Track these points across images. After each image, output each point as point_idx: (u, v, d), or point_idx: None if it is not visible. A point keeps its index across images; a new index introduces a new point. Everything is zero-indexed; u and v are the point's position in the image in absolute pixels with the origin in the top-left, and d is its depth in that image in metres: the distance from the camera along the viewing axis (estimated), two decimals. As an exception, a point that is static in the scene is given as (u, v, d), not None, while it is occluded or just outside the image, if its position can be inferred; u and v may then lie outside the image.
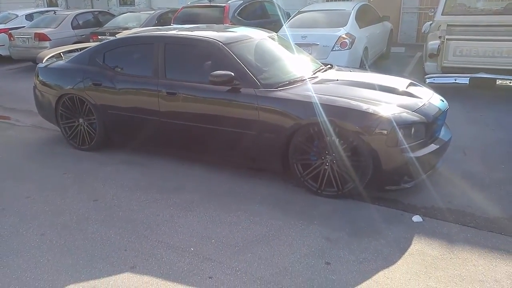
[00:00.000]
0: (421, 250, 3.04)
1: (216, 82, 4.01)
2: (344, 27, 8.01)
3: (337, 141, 3.68)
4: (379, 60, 9.93)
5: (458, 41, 6.90)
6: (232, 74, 3.98)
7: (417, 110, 3.73)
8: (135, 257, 2.99)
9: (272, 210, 3.62)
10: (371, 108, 3.59)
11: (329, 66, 4.88)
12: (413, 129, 3.60)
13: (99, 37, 10.33)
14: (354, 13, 8.51)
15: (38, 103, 5.50)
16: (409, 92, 4.07)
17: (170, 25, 9.66)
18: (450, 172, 4.22)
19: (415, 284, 2.66)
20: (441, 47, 6.99)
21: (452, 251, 3.01)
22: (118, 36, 5.02)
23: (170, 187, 4.11)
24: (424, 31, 9.57)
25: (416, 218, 3.47)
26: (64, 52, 5.69)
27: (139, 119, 4.62)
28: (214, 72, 3.99)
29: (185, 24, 8.90)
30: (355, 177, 3.68)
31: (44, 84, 5.29)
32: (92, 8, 17.97)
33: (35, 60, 11.39)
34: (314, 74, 4.45)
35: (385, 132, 3.50)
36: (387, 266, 2.85)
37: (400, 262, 2.90)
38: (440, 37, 7.05)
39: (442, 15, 8.94)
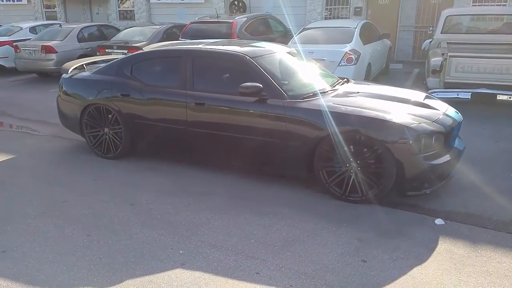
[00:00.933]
0: (447, 249, 3.26)
1: (245, 93, 4.25)
2: (350, 44, 8.36)
3: (362, 149, 3.92)
4: (379, 76, 10.29)
5: (460, 58, 7.26)
6: (261, 85, 4.22)
7: (436, 121, 4.00)
8: (182, 255, 3.17)
9: (301, 214, 3.83)
10: (395, 119, 3.86)
11: (345, 79, 5.15)
12: (433, 139, 3.87)
13: (106, 50, 10.53)
14: (358, 30, 8.88)
15: (62, 112, 5.67)
16: (426, 104, 4.35)
17: (179, 39, 9.93)
18: (462, 180, 4.47)
19: (448, 279, 2.89)
20: (444, 63, 7.33)
21: (477, 250, 3.24)
22: (145, 49, 5.24)
23: (199, 192, 4.30)
24: (424, 48, 9.99)
25: (439, 221, 3.71)
26: (86, 64, 5.87)
27: (166, 128, 4.82)
28: (244, 84, 4.23)
29: (193, 39, 9.22)
30: (379, 183, 3.91)
31: (69, 94, 5.47)
32: (92, 21, 18.18)
33: (40, 72, 11.58)
34: (334, 87, 4.71)
35: (408, 141, 3.76)
36: (419, 263, 3.07)
37: (430, 259, 3.12)
38: (443, 54, 7.40)
39: (441, 33, 9.37)
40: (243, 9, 15.56)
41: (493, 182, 4.45)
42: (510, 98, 7.61)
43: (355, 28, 8.96)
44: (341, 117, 3.97)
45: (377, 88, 4.89)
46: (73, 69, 5.63)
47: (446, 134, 4.00)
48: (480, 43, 8.56)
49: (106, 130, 5.25)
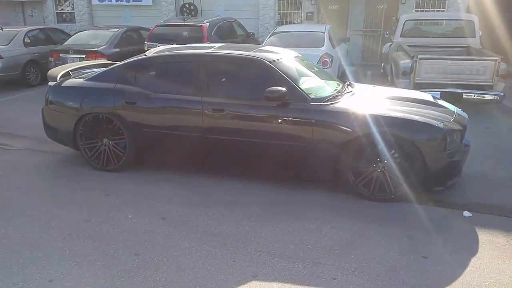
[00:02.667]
0: (489, 239, 3.48)
1: (270, 97, 4.20)
2: (322, 48, 8.58)
3: (391, 149, 4.05)
4: (342, 79, 10.64)
5: (428, 60, 7.75)
6: (285, 90, 4.20)
7: (454, 120, 4.25)
8: (248, 267, 3.05)
9: (340, 216, 3.86)
10: (423, 119, 4.04)
11: (347, 82, 5.28)
12: (454, 136, 4.10)
13: (61, 55, 9.84)
14: (327, 35, 9.14)
15: (49, 124, 5.20)
16: (439, 104, 4.60)
17: (144, 43, 9.56)
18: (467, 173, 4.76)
19: (507, 265, 3.08)
20: (414, 65, 7.78)
21: (514, 237, 3.49)
22: (148, 54, 4.96)
23: (226, 201, 4.17)
24: (384, 51, 10.52)
25: (466, 214, 3.94)
26: (72, 70, 5.44)
27: (179, 136, 4.62)
28: (270, 88, 4.19)
29: (162, 43, 8.93)
30: (408, 181, 4.07)
31: (59, 104, 5.04)
32: (25, 24, 16.86)
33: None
34: (346, 89, 4.81)
35: (436, 139, 3.96)
36: (473, 255, 3.25)
37: (480, 250, 3.31)
38: (412, 57, 7.85)
39: (400, 37, 9.93)
40: (194, 12, 15.33)
41: (493, 174, 4.79)
42: (474, 96, 8.25)
43: (324, 32, 9.22)
44: (370, 119, 4.07)
45: (385, 90, 5.07)
46: (61, 76, 5.17)
47: (462, 132, 4.26)
48: (437, 46, 9.23)
49: (105, 141, 4.90)
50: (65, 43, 10.51)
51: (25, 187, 4.52)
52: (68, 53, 9.74)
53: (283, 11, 15.02)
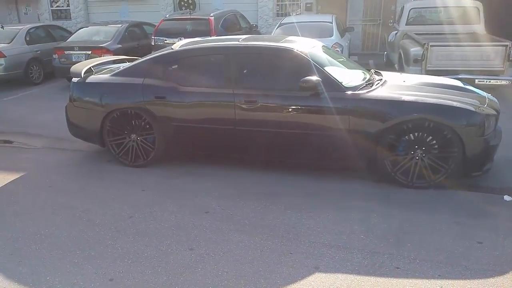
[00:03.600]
0: (536, 222, 3.50)
1: (305, 87, 4.16)
2: (332, 37, 8.54)
3: (429, 136, 4.04)
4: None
5: (440, 47, 7.76)
6: (320, 79, 4.16)
7: (488, 105, 4.25)
8: (307, 259, 3.03)
9: (382, 205, 3.85)
10: (461, 104, 4.03)
11: (374, 70, 5.25)
12: (491, 121, 4.10)
13: (65, 52, 9.66)
14: (335, 25, 9.11)
15: (74, 121, 5.11)
16: (470, 90, 4.60)
17: (152, 37, 9.44)
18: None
19: None
20: (425, 53, 7.78)
21: (562, 220, 3.52)
22: (175, 48, 4.87)
23: (264, 193, 4.13)
24: (390, 40, 10.51)
25: (507, 198, 3.96)
26: (93, 66, 5.33)
27: (210, 129, 4.57)
28: (305, 78, 4.15)
29: (169, 37, 8.83)
30: (447, 167, 4.07)
31: (85, 100, 4.94)
32: (19, 22, 16.56)
33: None
34: (377, 77, 4.78)
35: (476, 124, 3.96)
36: (526, 238, 3.26)
37: (532, 233, 3.32)
38: (424, 44, 7.85)
39: (406, 25, 9.93)
40: (193, 6, 15.15)
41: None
42: (487, 82, 8.29)
43: (332, 22, 9.18)
44: (407, 106, 4.05)
45: (413, 77, 5.05)
46: (85, 72, 5.06)
47: (496, 116, 4.27)
48: (443, 33, 9.24)
49: (133, 136, 4.82)
50: (69, 40, 10.32)
51: (57, 185, 4.44)
52: (73, 50, 9.56)
53: (281, 3, 14.92)
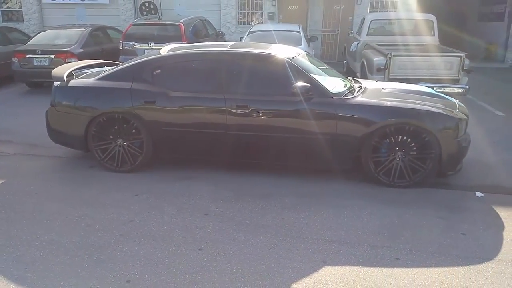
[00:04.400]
0: (508, 215, 3.90)
1: (296, 93, 4.37)
2: (301, 46, 8.84)
3: (409, 138, 4.37)
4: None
5: (401, 57, 8.29)
6: (310, 85, 4.39)
7: (459, 110, 4.66)
8: (314, 254, 3.20)
9: (372, 203, 4.11)
10: (438, 109, 4.40)
11: (351, 78, 5.56)
12: (463, 125, 4.51)
13: (27, 56, 9.29)
14: (302, 34, 9.45)
15: (56, 127, 4.99)
16: (442, 96, 5.01)
17: (120, 42, 9.30)
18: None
19: (536, 237, 3.49)
20: (388, 62, 8.27)
21: (529, 212, 3.94)
22: (163, 52, 4.90)
23: (259, 195, 4.27)
24: (352, 49, 11.01)
25: (479, 194, 4.36)
26: (74, 70, 5.23)
27: (201, 133, 4.65)
28: (296, 84, 4.36)
29: (139, 42, 8.78)
30: (426, 168, 4.41)
31: (69, 105, 4.85)
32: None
33: None
34: (358, 84, 5.08)
35: (452, 127, 4.34)
36: (502, 229, 3.63)
37: (505, 225, 3.70)
38: (387, 54, 8.34)
39: (367, 36, 10.48)
40: (154, 11, 15.04)
41: (483, 159, 5.28)
42: (444, 89, 8.92)
43: (299, 32, 9.52)
44: (391, 111, 4.37)
45: (389, 84, 5.41)
46: (67, 76, 4.96)
47: (467, 120, 4.68)
48: (401, 44, 9.84)
49: (119, 141, 4.80)
50: (29, 43, 9.91)
51: (43, 192, 4.32)
52: (35, 54, 9.21)
53: (244, 11, 15.18)
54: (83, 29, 10.20)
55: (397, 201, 4.15)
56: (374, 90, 4.90)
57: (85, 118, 4.75)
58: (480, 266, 3.08)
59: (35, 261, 3.06)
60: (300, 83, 4.36)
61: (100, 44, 10.32)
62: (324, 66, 5.43)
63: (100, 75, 4.91)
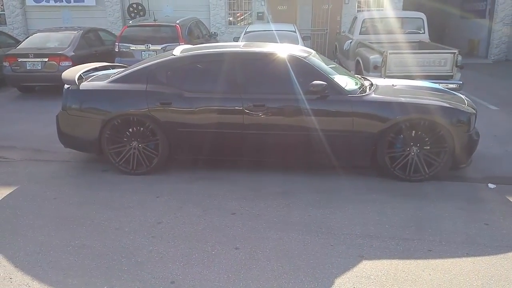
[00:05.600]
0: (524, 204, 4.03)
1: (313, 91, 4.42)
2: (298, 45, 8.90)
3: (424, 133, 4.48)
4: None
5: (397, 54, 8.44)
6: (325, 83, 4.45)
7: (468, 104, 4.79)
8: (349, 249, 3.26)
9: (393, 197, 4.19)
10: (451, 105, 4.52)
11: (360, 76, 5.65)
12: (474, 118, 4.64)
13: (19, 59, 9.10)
14: (298, 33, 9.53)
15: (68, 131, 4.92)
16: (451, 92, 5.14)
17: (116, 44, 9.21)
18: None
19: (555, 224, 3.63)
20: (384, 60, 8.42)
21: (543, 201, 4.09)
22: (176, 53, 4.88)
23: (279, 193, 4.31)
24: (346, 48, 11.15)
25: (491, 185, 4.49)
26: (83, 73, 5.17)
27: (218, 134, 4.66)
28: (313, 82, 4.41)
29: (135, 43, 8.71)
30: (440, 161, 4.52)
31: (81, 108, 4.80)
32: None
33: None
34: (368, 82, 5.17)
35: (464, 121, 4.46)
36: (522, 217, 3.76)
37: (525, 214, 3.84)
38: (383, 52, 8.48)
39: (359, 34, 10.63)
40: (142, 12, 14.92)
41: (488, 152, 5.43)
42: (439, 85, 9.12)
43: (295, 31, 9.59)
44: (405, 107, 4.46)
45: (400, 81, 5.49)
46: (78, 79, 4.90)
47: (476, 114, 4.82)
48: (393, 42, 10.03)
49: (134, 143, 4.77)
50: (20, 46, 9.72)
51: (61, 197, 4.26)
52: (28, 57, 9.03)
53: (233, 11, 15.19)
54: (75, 32, 10.05)
55: (415, 195, 4.25)
56: (385, 87, 4.99)
57: (99, 121, 4.70)
58: (510, 254, 3.18)
59: (72, 267, 3.03)
60: (316, 82, 4.42)
61: (93, 47, 10.19)
62: (334, 64, 5.51)
63: (113, 78, 4.87)
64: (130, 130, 4.73)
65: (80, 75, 5.05)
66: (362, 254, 3.17)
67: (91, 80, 5.03)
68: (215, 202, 4.09)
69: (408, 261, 3.09)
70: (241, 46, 4.97)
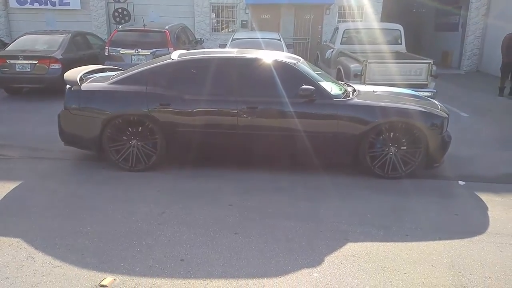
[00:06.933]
0: (488, 198, 4.54)
1: (302, 95, 4.84)
2: (286, 53, 9.36)
3: (402, 135, 4.95)
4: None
5: (376, 63, 8.99)
6: (314, 88, 4.88)
7: (441, 109, 5.30)
8: (336, 234, 3.66)
9: (375, 192, 4.63)
10: (426, 109, 5.01)
11: (343, 82, 6.11)
12: (447, 122, 5.15)
13: (8, 61, 9.24)
14: (283, 42, 9.99)
15: (69, 129, 5.19)
16: (425, 98, 5.65)
17: (106, 48, 9.46)
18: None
19: (517, 213, 4.14)
20: (364, 69, 8.95)
21: (502, 195, 4.59)
22: (174, 58, 5.23)
23: (270, 189, 4.68)
24: (327, 57, 11.68)
25: (461, 182, 5.00)
26: (84, 74, 5.46)
27: (213, 134, 5.01)
28: (303, 87, 4.83)
29: (125, 47, 9.00)
30: (415, 161, 5.00)
31: (83, 108, 5.08)
32: None
33: None
34: (351, 87, 5.63)
35: (438, 124, 4.96)
36: (486, 210, 4.25)
37: (488, 206, 4.33)
38: (363, 61, 9.02)
39: (341, 44, 11.18)
40: (128, 17, 15.15)
41: (457, 153, 5.96)
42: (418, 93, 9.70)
43: (279, 40, 10.06)
44: (386, 111, 4.92)
45: (379, 88, 5.98)
46: (79, 80, 5.18)
47: (448, 119, 5.33)
48: (372, 52, 10.60)
49: (133, 142, 5.08)
50: (8, 48, 9.85)
51: (66, 191, 4.52)
52: (18, 59, 9.18)
53: (218, 19, 15.59)
54: (64, 35, 10.26)
55: (394, 190, 4.70)
56: (367, 93, 5.46)
57: (100, 120, 4.99)
58: (476, 238, 3.65)
59: (88, 248, 3.33)
60: (305, 86, 4.84)
61: (81, 50, 10.39)
62: (320, 71, 5.95)
63: (113, 79, 5.17)
64: (130, 129, 5.03)
65: (81, 76, 5.33)
66: (347, 238, 3.58)
67: (91, 82, 5.31)
68: (212, 196, 4.44)
69: (388, 243, 3.51)
70: (235, 52, 5.35)
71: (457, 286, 2.99)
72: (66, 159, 5.59)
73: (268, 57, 5.19)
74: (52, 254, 3.22)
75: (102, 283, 2.89)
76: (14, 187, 4.57)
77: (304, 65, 5.34)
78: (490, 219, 4.04)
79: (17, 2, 15.11)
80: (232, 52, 5.43)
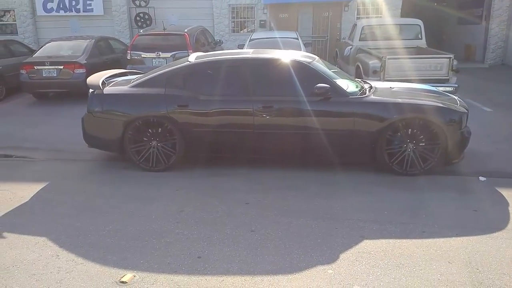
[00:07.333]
0: (508, 194, 4.44)
1: (317, 93, 4.87)
2: (302, 51, 9.37)
3: (420, 131, 4.91)
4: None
5: (395, 59, 8.89)
6: (329, 86, 4.90)
7: (460, 104, 5.23)
8: (352, 231, 3.67)
9: (390, 189, 4.61)
10: (444, 105, 4.95)
11: (360, 79, 6.09)
12: (466, 118, 5.07)
13: (35, 67, 9.57)
14: (301, 41, 10.00)
15: (93, 132, 5.37)
16: (444, 93, 5.58)
17: (128, 52, 9.68)
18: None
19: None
20: (383, 65, 8.87)
21: (528, 191, 4.51)
22: (191, 60, 5.34)
23: (284, 187, 4.73)
24: (346, 54, 11.62)
25: (482, 178, 4.92)
26: (106, 79, 5.63)
27: (230, 133, 5.09)
28: (318, 85, 4.86)
29: (146, 51, 9.19)
30: (434, 157, 4.95)
31: (106, 111, 5.24)
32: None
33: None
34: (368, 84, 5.61)
35: (456, 120, 4.90)
36: (507, 205, 4.17)
37: (509, 202, 4.25)
38: (382, 57, 8.94)
39: (359, 41, 11.10)
40: (149, 21, 15.43)
41: (479, 149, 5.86)
42: (437, 89, 9.56)
43: (297, 38, 10.07)
44: (402, 107, 4.89)
45: (396, 84, 5.94)
46: (102, 84, 5.35)
47: (467, 113, 5.25)
48: (392, 48, 10.48)
49: (153, 142, 5.21)
50: (36, 55, 10.19)
51: (90, 190, 4.69)
52: (44, 65, 9.50)
53: (237, 20, 15.69)
54: (88, 40, 10.54)
55: (411, 187, 4.67)
56: (384, 89, 5.44)
57: (122, 122, 5.15)
58: (494, 234, 3.61)
59: (109, 246, 3.45)
60: (320, 85, 4.86)
61: (104, 55, 10.67)
62: (336, 69, 5.95)
63: (134, 83, 5.32)
64: (150, 130, 5.16)
65: (104, 80, 5.50)
66: (363, 235, 3.60)
67: (113, 85, 5.48)
68: (228, 194, 4.52)
69: (404, 240, 3.51)
70: (250, 53, 5.42)
71: (474, 282, 2.96)
72: (90, 160, 5.78)
73: (282, 56, 5.23)
74: (75, 252, 3.36)
75: (122, 279, 3.00)
76: (40, 188, 4.77)
77: (319, 63, 5.36)
78: (511, 215, 3.97)
79: (44, 10, 15.58)
80: (247, 53, 5.50)
